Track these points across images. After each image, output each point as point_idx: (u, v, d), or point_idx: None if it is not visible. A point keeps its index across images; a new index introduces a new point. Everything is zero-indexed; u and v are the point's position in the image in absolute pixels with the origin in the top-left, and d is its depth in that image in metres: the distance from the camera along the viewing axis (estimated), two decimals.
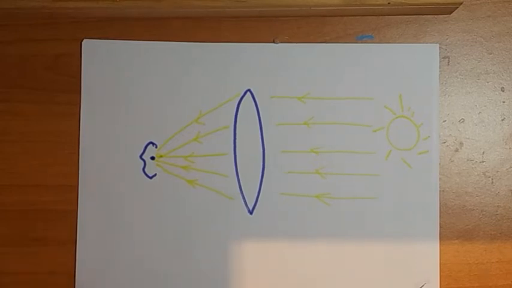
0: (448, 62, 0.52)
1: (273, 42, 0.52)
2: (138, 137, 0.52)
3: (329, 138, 0.52)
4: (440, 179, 0.51)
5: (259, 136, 0.52)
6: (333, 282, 0.52)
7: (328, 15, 0.52)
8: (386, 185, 0.51)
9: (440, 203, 0.51)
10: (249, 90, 0.52)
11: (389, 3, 0.49)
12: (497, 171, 0.52)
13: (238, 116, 0.52)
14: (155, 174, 0.52)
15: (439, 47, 0.52)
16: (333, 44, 0.52)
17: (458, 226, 0.52)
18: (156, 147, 0.52)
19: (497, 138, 0.52)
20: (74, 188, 0.53)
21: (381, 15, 0.52)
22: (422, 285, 0.51)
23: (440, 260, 0.51)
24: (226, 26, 0.53)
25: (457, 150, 0.52)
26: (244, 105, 0.52)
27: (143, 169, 0.52)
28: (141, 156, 0.52)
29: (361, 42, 0.52)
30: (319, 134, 0.52)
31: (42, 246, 0.53)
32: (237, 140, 0.52)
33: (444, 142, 0.52)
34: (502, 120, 0.52)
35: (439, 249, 0.51)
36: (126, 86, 0.53)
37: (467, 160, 0.52)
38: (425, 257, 0.51)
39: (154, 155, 0.52)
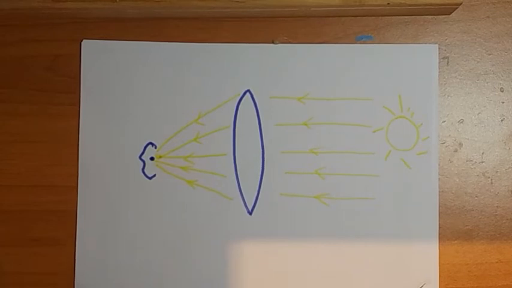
0: (448, 63, 0.52)
1: (272, 42, 0.52)
2: (137, 137, 0.53)
3: (328, 138, 0.52)
4: (439, 179, 0.51)
5: (259, 136, 0.52)
6: (333, 283, 0.52)
7: (328, 16, 0.52)
8: (385, 186, 0.51)
9: (439, 204, 0.51)
10: (248, 90, 0.52)
11: (388, 3, 0.49)
12: (497, 172, 0.52)
13: (237, 116, 0.52)
14: (154, 175, 0.52)
15: (439, 48, 0.52)
16: (332, 44, 0.52)
17: (457, 226, 0.52)
18: (156, 147, 0.52)
19: (496, 138, 0.52)
20: (73, 189, 0.53)
21: (380, 15, 0.52)
22: (422, 286, 0.51)
23: (439, 260, 0.51)
24: (225, 26, 0.53)
25: (456, 151, 0.52)
26: (243, 105, 0.52)
27: (142, 170, 0.52)
28: (140, 157, 0.52)
29: (361, 43, 0.52)
30: (318, 134, 0.52)
31: (41, 247, 0.53)
32: (236, 141, 0.52)
33: (443, 143, 0.52)
34: (502, 120, 0.52)
35: (439, 250, 0.51)
36: (125, 87, 0.53)
37: (467, 161, 0.52)
38: (425, 257, 0.51)
39: (153, 156, 0.52)
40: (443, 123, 0.52)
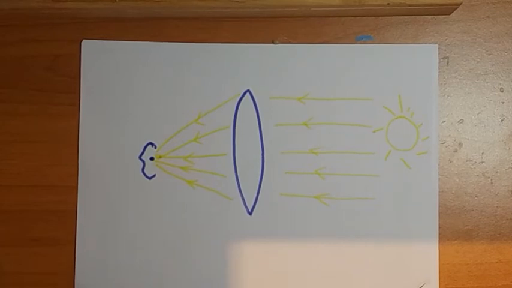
0: (448, 63, 0.52)
1: (272, 42, 0.52)
2: (137, 137, 0.53)
3: (328, 138, 0.52)
4: (439, 179, 0.51)
5: (259, 137, 0.52)
6: (332, 283, 0.52)
7: (328, 16, 0.52)
8: (385, 186, 0.51)
9: (439, 204, 0.51)
10: (248, 90, 0.52)
11: (388, 3, 0.49)
12: (497, 172, 0.52)
13: (237, 116, 0.52)
14: (154, 175, 0.52)
15: (438, 48, 0.52)
16: (332, 44, 0.52)
17: (457, 227, 0.52)
18: (156, 147, 0.52)
19: (496, 138, 0.52)
20: (73, 189, 0.53)
21: (380, 15, 0.52)
22: (422, 286, 0.51)
23: (439, 260, 0.51)
24: (225, 26, 0.53)
25: (456, 151, 0.52)
26: (243, 105, 0.52)
27: (142, 170, 0.52)
28: (140, 157, 0.52)
29: (361, 43, 0.52)
30: (318, 134, 0.52)
31: (41, 247, 0.53)
32: (236, 141, 0.52)
33: (443, 143, 0.52)
34: (501, 120, 0.52)
35: (439, 250, 0.51)
36: (125, 87, 0.53)
37: (467, 161, 0.52)
38: (425, 257, 0.51)
39: (153, 156, 0.52)
40: (443, 123, 0.52)
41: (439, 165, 0.52)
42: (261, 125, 0.52)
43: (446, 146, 0.52)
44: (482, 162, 0.52)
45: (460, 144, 0.52)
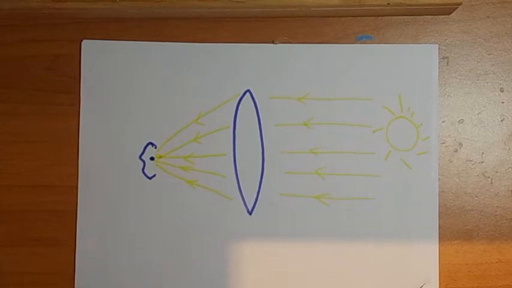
0: (448, 63, 0.52)
1: (272, 42, 0.52)
2: (137, 137, 0.53)
3: (328, 138, 0.52)
4: (439, 179, 0.51)
5: (259, 137, 0.52)
6: (332, 283, 0.52)
7: (328, 16, 0.52)
8: (385, 186, 0.51)
9: (439, 204, 0.51)
10: (248, 90, 0.52)
11: (388, 3, 0.49)
12: (497, 172, 0.52)
13: (237, 116, 0.52)
14: (154, 175, 0.52)
15: (438, 48, 0.52)
16: (332, 44, 0.52)
17: (457, 227, 0.52)
18: (156, 147, 0.52)
19: (496, 138, 0.52)
20: (73, 189, 0.53)
21: (380, 15, 0.52)
22: (422, 286, 0.51)
23: (439, 260, 0.51)
24: (225, 26, 0.53)
25: (456, 151, 0.52)
26: (243, 105, 0.52)
27: (142, 170, 0.52)
28: (140, 157, 0.52)
29: (361, 43, 0.52)
30: (318, 134, 0.52)
31: (41, 247, 0.53)
32: (236, 141, 0.52)
33: (443, 143, 0.52)
34: (501, 120, 0.52)
35: (439, 250, 0.51)
36: (125, 87, 0.53)
37: (467, 161, 0.52)
38: (425, 257, 0.51)
39: (153, 156, 0.52)
40: (443, 123, 0.52)
41: (439, 165, 0.52)
42: (261, 125, 0.52)
43: (446, 146, 0.52)
44: (482, 162, 0.52)
45: (460, 144, 0.52)
